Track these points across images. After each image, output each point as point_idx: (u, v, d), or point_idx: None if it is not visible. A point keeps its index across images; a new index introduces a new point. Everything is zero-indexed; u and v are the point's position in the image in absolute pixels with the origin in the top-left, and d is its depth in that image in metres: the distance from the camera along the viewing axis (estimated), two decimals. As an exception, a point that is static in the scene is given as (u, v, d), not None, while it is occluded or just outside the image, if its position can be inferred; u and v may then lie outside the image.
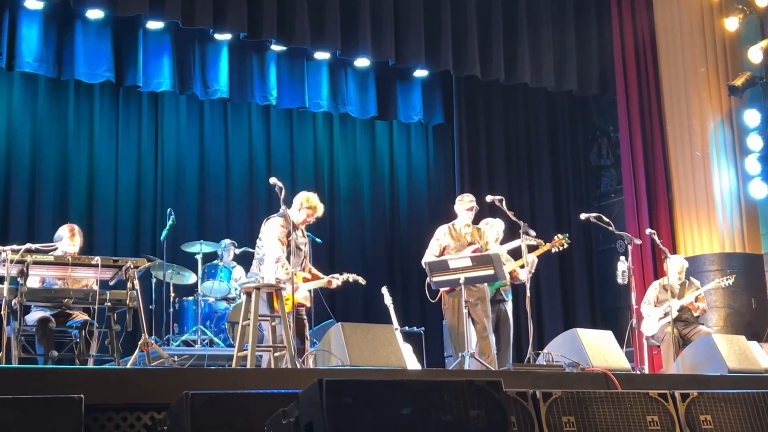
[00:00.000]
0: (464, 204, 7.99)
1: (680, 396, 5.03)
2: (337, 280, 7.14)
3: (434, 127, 12.59)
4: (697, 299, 8.96)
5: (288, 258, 6.74)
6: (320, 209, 7.10)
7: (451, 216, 8.20)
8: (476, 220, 8.15)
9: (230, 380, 4.91)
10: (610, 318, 11.68)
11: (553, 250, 8.31)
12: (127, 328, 6.43)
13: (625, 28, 11.49)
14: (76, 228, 7.31)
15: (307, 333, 7.04)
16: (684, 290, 9.03)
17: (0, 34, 9.47)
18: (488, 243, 7.99)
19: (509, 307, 8.15)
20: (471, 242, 7.87)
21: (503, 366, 7.47)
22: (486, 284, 7.69)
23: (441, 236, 7.93)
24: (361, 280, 7.37)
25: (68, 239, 7.13)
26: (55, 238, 7.16)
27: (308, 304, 7.01)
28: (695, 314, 8.94)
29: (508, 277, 8.06)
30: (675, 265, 9.14)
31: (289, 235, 6.87)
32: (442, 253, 7.83)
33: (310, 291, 7.05)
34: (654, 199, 11.13)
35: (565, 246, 8.27)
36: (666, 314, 8.65)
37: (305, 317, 7.02)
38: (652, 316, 8.92)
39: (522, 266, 7.83)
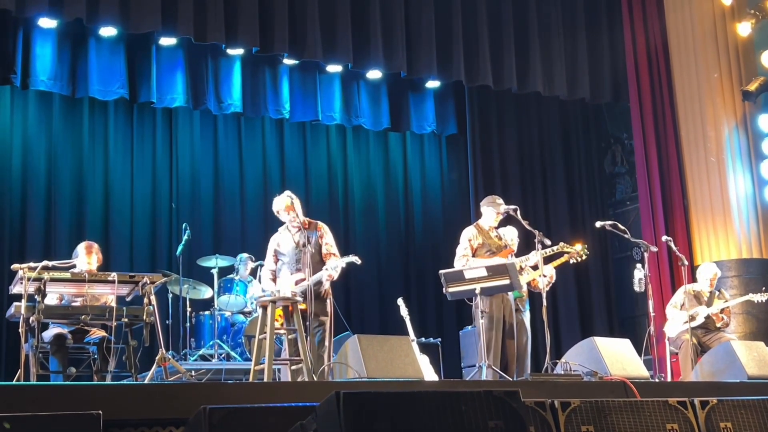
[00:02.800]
0: (496, 206, 7.91)
1: (700, 403, 5.00)
2: (334, 270, 7.03)
3: (447, 137, 12.59)
4: (723, 311, 8.89)
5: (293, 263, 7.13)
6: (279, 204, 7.25)
7: (465, 225, 8.17)
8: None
9: (248, 394, 4.91)
10: (628, 326, 11.63)
11: (571, 261, 8.23)
12: (145, 343, 6.44)
13: (637, 34, 11.46)
14: (95, 246, 7.33)
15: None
16: (713, 299, 8.95)
17: (14, 53, 9.53)
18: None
19: (527, 317, 8.09)
20: (504, 245, 7.85)
21: (521, 376, 7.44)
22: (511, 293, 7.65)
23: (472, 236, 7.84)
24: (357, 260, 7.22)
25: (84, 256, 7.16)
26: (72, 256, 7.19)
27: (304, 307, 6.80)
28: (718, 325, 8.87)
29: (526, 287, 8.02)
30: (707, 273, 9.08)
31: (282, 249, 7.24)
32: (475, 252, 7.77)
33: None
34: (669, 206, 11.07)
35: (584, 257, 8.18)
36: (689, 319, 8.56)
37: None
38: (676, 319, 8.86)
39: (542, 275, 7.78)
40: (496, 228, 7.99)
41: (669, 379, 8.93)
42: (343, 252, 7.49)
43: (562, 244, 7.93)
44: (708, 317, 8.80)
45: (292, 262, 7.14)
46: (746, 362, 7.29)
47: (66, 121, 10.50)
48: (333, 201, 11.79)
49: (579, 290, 11.97)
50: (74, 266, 6.88)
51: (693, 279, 9.24)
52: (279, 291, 6.82)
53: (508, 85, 10.99)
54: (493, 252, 7.76)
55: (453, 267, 7.69)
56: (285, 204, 7.20)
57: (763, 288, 9.48)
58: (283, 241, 7.26)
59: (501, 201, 8.01)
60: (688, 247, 10.70)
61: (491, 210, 7.92)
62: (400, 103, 11.88)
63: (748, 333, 10.01)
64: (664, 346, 8.94)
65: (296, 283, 6.93)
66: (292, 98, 11.15)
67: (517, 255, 8.06)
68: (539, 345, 9.24)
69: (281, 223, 7.39)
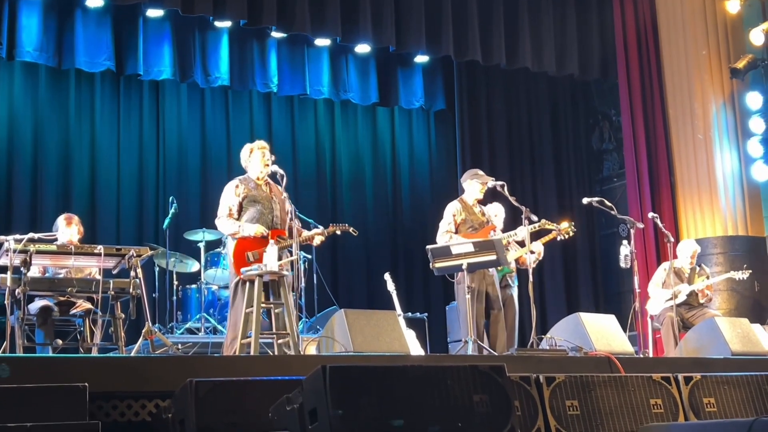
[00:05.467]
0: (479, 177, 7.85)
1: (683, 379, 5.05)
2: (320, 236, 6.96)
3: (436, 112, 12.57)
4: (707, 288, 8.96)
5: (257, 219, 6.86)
6: (261, 150, 7.08)
7: (452, 201, 8.16)
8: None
9: (234, 367, 4.92)
10: (613, 302, 11.70)
11: (559, 239, 8.21)
12: (131, 316, 6.43)
13: (626, 11, 11.45)
14: (75, 218, 7.31)
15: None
16: (694, 276, 9.02)
17: (0, 24, 9.46)
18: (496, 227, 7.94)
19: (515, 292, 8.11)
20: (486, 221, 7.84)
21: (510, 350, 7.47)
22: (494, 269, 7.65)
23: (456, 212, 7.79)
24: (352, 231, 7.19)
25: (65, 228, 7.14)
26: (53, 228, 7.16)
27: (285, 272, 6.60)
28: (701, 300, 8.93)
29: (513, 263, 8.02)
30: (687, 250, 9.14)
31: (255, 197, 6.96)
32: (458, 228, 7.75)
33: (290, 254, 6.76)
34: (656, 183, 11.11)
35: (570, 234, 8.17)
36: (671, 297, 8.61)
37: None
38: (659, 297, 8.92)
39: (531, 252, 7.78)
40: (480, 202, 7.97)
41: (651, 354, 8.99)
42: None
43: (544, 221, 7.92)
44: (691, 293, 8.87)
45: (266, 212, 6.91)
46: (730, 338, 7.34)
47: (52, 92, 10.43)
48: (321, 175, 11.77)
49: (565, 266, 12.02)
50: (57, 239, 6.85)
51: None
52: (266, 265, 6.80)
53: (497, 60, 10.97)
54: (475, 228, 7.74)
55: (437, 242, 7.69)
56: (266, 151, 7.07)
57: (745, 265, 9.54)
58: (253, 190, 7.03)
59: (482, 173, 7.99)
60: (674, 223, 10.75)
61: (475, 182, 7.86)
62: (389, 78, 11.85)
63: (732, 309, 10.08)
64: (647, 322, 9.01)
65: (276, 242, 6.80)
66: (280, 72, 11.11)
67: (504, 231, 8.08)
68: (525, 320, 9.28)
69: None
